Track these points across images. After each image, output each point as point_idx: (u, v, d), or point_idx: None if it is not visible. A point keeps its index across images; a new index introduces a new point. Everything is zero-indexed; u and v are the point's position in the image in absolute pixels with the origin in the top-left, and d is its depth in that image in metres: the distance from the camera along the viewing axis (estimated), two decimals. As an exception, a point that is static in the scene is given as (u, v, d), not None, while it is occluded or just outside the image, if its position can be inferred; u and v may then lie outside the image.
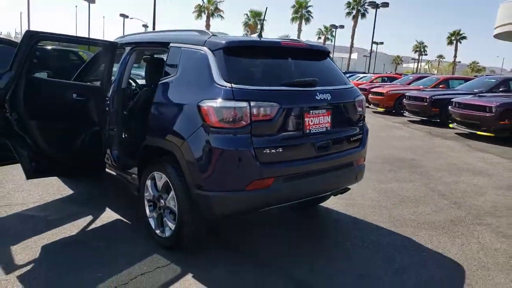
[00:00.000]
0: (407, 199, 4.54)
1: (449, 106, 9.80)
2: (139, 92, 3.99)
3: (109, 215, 3.79)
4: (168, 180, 2.95)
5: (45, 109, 3.26)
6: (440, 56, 78.76)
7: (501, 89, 11.02)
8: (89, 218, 3.72)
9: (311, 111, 2.94)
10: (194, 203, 2.82)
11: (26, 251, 3.03)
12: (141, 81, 4.74)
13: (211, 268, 2.88)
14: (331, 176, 3.10)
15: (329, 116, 3.07)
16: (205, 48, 2.89)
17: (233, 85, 2.67)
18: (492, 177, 5.69)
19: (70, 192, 4.41)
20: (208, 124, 2.65)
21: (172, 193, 2.95)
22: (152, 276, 2.74)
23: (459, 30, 61.88)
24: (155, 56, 4.11)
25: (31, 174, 3.37)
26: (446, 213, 4.15)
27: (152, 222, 3.25)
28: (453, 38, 61.76)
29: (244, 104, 2.63)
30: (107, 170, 3.97)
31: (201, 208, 2.79)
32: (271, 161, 2.73)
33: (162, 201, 3.11)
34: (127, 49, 3.78)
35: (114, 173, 3.95)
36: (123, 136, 3.87)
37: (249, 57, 2.92)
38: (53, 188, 4.44)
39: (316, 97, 2.95)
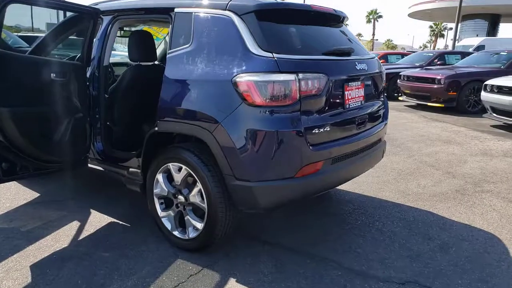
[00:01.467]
0: (403, 173, 4.49)
1: (398, 80, 10.13)
2: (125, 71, 3.37)
3: (98, 218, 3.20)
4: (193, 172, 2.49)
5: (18, 92, 2.56)
6: (359, 35, 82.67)
7: (438, 62, 11.70)
8: (76, 224, 3.11)
9: (350, 83, 2.64)
10: (229, 196, 2.41)
11: (11, 275, 2.40)
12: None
13: (251, 266, 2.51)
14: (367, 155, 2.86)
15: (363, 89, 2.80)
16: (228, 13, 2.42)
17: (275, 55, 2.26)
18: (462, 145, 5.91)
19: (36, 194, 3.68)
20: (250, 103, 2.23)
21: (198, 187, 2.49)
22: (192, 287, 2.31)
23: (376, 9, 65.35)
24: (141, 28, 3.49)
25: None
26: (447, 183, 4.16)
27: (167, 223, 2.76)
28: (371, 16, 65.07)
29: (292, 77, 2.24)
30: (90, 165, 3.34)
31: (240, 202, 2.39)
32: (320, 142, 2.40)
33: (180, 197, 2.63)
34: (107, 18, 3.14)
35: (100, 168, 3.33)
36: (112, 123, 3.27)
37: (281, 23, 2.51)
38: (10, 192, 3.68)
39: (356, 67, 2.66)
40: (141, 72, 3.38)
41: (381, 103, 3.11)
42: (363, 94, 2.79)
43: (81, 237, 2.92)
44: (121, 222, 3.15)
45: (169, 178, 2.72)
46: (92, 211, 3.35)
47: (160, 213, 2.79)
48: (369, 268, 2.51)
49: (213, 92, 2.36)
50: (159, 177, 2.73)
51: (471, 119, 8.15)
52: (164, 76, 2.59)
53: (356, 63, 2.68)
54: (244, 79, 2.24)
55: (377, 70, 2.95)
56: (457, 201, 3.66)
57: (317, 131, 2.36)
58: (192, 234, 2.62)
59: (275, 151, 2.26)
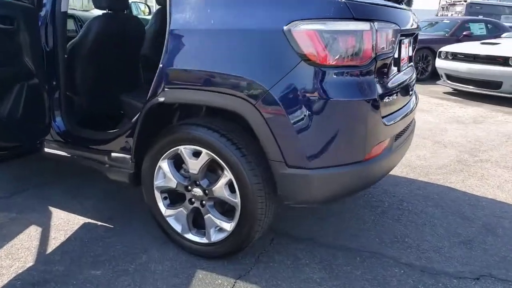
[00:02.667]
0: (396, 143, 4.21)
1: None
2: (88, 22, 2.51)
3: (67, 219, 2.43)
4: (219, 158, 1.85)
5: None
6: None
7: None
8: (34, 230, 2.31)
9: (403, 40, 2.15)
10: (274, 188, 1.82)
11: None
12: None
13: (294, 271, 1.98)
14: (411, 131, 2.42)
15: (409, 48, 2.33)
16: None
17: (343, -3, 1.67)
18: (431, 112, 5.84)
19: (-35, 191, 2.74)
20: (312, 62, 1.63)
21: (227, 177, 1.86)
22: (236, 311, 1.73)
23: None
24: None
25: None
26: (444, 154, 3.95)
27: (175, 223, 2.11)
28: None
29: (367, 26, 1.68)
30: (47, 150, 2.50)
31: (290, 195, 1.81)
32: (388, 113, 1.90)
33: (197, 190, 1.99)
34: None
35: (63, 154, 2.50)
36: (73, 92, 2.44)
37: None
38: None
39: (409, 19, 2.16)
40: (111, 23, 2.57)
41: (413, 68, 2.67)
42: (409, 55, 2.32)
43: (50, 250, 2.14)
44: (103, 224, 2.40)
45: (176, 165, 2.05)
46: (55, 209, 2.54)
47: (165, 211, 2.12)
48: (430, 262, 2.13)
49: (257, 48, 1.70)
50: (163, 164, 2.04)
51: (423, 86, 8.23)
52: (171, 23, 1.86)
53: (410, 14, 2.18)
54: (304, 28, 1.62)
55: (418, 27, 2.49)
56: (465, 173, 3.44)
57: (387, 100, 1.85)
58: (216, 236, 2.00)
59: (346, 127, 1.72)
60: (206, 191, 1.97)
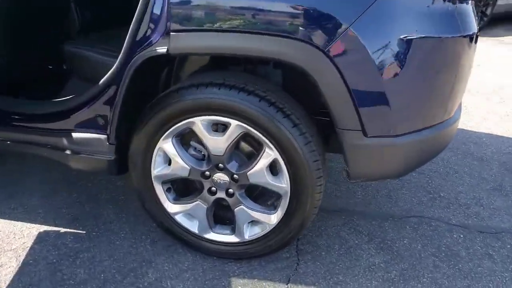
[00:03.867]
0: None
1: None
2: None
3: (10, 232, 1.69)
4: (259, 131, 1.29)
5: None
6: None
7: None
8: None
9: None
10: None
11: None
12: None
13: (354, 260, 1.60)
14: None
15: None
16: None
17: None
18: None
19: None
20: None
21: (270, 156, 1.32)
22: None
23: None
24: None
25: None
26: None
27: (187, 221, 1.54)
28: None
29: None
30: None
31: (365, 170, 1.35)
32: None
33: (221, 175, 1.42)
34: None
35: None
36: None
37: None
38: None
39: None
40: None
41: None
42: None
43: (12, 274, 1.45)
44: (68, 230, 1.72)
45: (182, 144, 1.45)
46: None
47: (170, 207, 1.53)
48: (481, 219, 1.89)
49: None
50: (166, 145, 1.41)
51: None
52: None
53: None
54: None
55: None
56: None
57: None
58: (252, 232, 1.49)
59: (443, 76, 1.26)
60: (236, 177, 1.41)
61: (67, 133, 1.54)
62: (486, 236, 1.77)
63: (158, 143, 1.42)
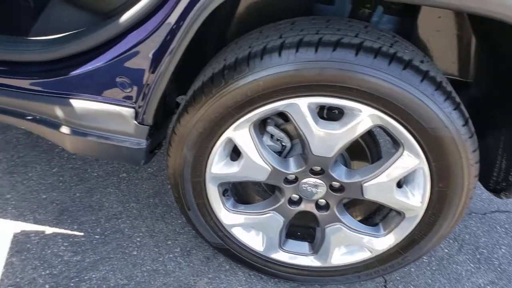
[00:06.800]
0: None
1: None
2: None
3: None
4: (406, 129, 0.82)
5: None
6: None
7: None
8: None
9: None
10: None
11: None
12: None
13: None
14: None
15: None
16: None
17: None
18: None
19: None
20: None
21: (406, 166, 0.86)
22: None
23: None
24: None
25: None
26: None
27: (247, 237, 1.07)
28: None
29: None
30: None
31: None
32: None
33: (316, 183, 0.94)
34: None
35: None
36: None
37: None
38: None
39: None
40: None
41: None
42: None
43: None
44: (68, 232, 1.19)
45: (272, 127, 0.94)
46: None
47: (227, 217, 1.03)
48: None
49: None
50: (240, 136, 0.89)
51: None
52: None
53: None
54: None
55: None
56: None
57: None
58: (343, 259, 1.06)
59: None
60: (337, 185, 0.94)
61: (64, 99, 0.95)
62: None
63: (227, 131, 0.88)
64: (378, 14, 1.00)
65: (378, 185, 0.91)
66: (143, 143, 0.95)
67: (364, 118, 0.82)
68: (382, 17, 1.00)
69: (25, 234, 1.17)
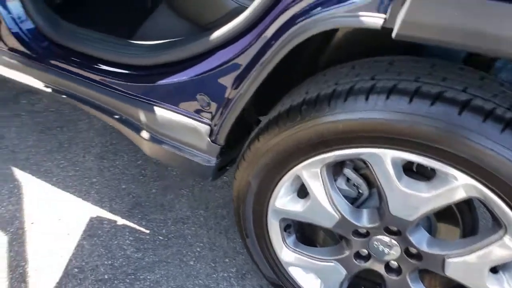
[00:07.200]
0: None
1: None
2: None
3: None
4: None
5: None
6: None
7: None
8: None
9: None
10: None
11: None
12: None
13: None
14: None
15: None
16: None
17: None
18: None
19: None
20: None
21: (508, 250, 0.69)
22: None
23: None
24: None
25: None
26: None
27: (305, 280, 0.99)
28: None
29: None
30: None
31: None
32: None
33: (386, 241, 0.81)
34: None
35: (31, 82, 1.15)
36: None
37: None
38: None
39: None
40: None
41: None
42: None
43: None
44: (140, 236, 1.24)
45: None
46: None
47: (286, 253, 0.96)
48: None
49: None
50: (309, 175, 0.81)
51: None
52: None
53: None
54: None
55: None
56: None
57: None
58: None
59: None
60: (414, 251, 0.80)
61: (145, 104, 0.97)
62: None
63: (297, 167, 0.81)
64: (504, 60, 0.83)
65: (466, 264, 0.75)
66: (213, 161, 0.93)
67: (459, 186, 0.68)
68: (509, 64, 0.83)
69: (99, 220, 1.24)
